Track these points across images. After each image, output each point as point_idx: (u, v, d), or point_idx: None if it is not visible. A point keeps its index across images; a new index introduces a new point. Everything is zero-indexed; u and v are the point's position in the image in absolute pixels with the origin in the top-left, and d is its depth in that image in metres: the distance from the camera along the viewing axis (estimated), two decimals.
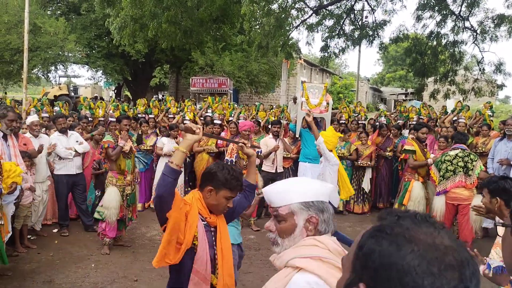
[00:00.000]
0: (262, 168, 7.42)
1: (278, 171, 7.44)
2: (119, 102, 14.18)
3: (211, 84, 19.29)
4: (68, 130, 6.36)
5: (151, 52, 20.74)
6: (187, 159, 8.13)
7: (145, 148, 7.75)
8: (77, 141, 6.37)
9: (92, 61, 22.01)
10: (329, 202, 1.62)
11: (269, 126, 8.46)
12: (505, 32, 13.18)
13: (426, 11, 13.67)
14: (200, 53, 19.95)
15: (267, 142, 7.36)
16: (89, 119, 8.04)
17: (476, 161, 5.69)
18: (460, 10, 13.61)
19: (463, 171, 5.64)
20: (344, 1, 14.06)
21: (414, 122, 8.46)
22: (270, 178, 7.29)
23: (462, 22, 13.81)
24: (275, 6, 12.37)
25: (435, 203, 5.86)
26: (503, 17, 13.11)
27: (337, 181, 5.62)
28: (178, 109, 9.33)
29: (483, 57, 14.07)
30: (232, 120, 8.58)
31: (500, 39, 13.45)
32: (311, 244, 1.46)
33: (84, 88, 29.34)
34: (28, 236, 5.89)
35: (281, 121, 8.60)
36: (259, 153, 6.86)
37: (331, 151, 5.64)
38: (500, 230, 1.52)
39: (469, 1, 13.36)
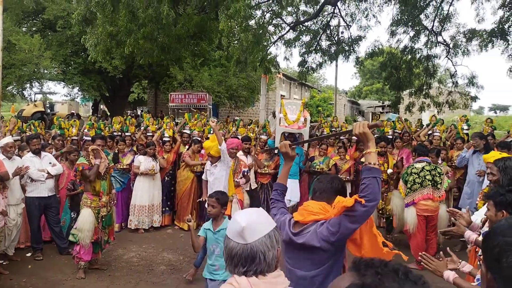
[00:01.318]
0: None
1: (252, 188, 7.41)
2: (97, 118, 13.93)
3: (190, 99, 19.24)
4: (41, 152, 6.22)
5: (129, 68, 20.61)
6: (166, 178, 8.02)
7: (121, 167, 7.63)
8: (50, 163, 6.22)
9: (68, 78, 21.72)
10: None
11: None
12: (477, 46, 13.57)
13: (399, 26, 13.99)
14: (178, 68, 19.91)
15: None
16: (62, 139, 7.86)
17: (442, 174, 5.88)
18: (433, 26, 13.99)
19: (430, 184, 5.78)
20: (320, 17, 14.30)
21: (390, 136, 8.55)
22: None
23: (435, 37, 14.18)
24: (252, 22, 12.47)
25: (406, 215, 5.95)
26: (474, 31, 13.51)
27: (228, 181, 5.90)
28: (157, 126, 9.24)
29: (456, 71, 14.43)
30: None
31: (472, 53, 13.85)
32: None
33: (60, 105, 28.88)
34: (0, 262, 5.69)
35: (261, 136, 8.59)
36: (246, 173, 6.84)
37: (213, 156, 5.76)
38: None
39: (441, 17, 13.75)
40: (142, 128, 9.31)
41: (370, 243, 2.41)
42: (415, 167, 5.89)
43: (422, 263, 2.58)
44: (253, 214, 1.65)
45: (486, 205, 2.83)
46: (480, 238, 2.76)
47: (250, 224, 1.58)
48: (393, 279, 0.79)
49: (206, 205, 7.02)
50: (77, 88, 25.76)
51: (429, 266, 2.52)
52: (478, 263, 2.84)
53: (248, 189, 7.28)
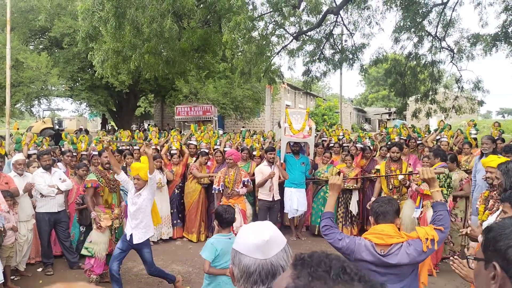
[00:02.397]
0: (259, 197, 7.32)
1: (275, 199, 7.30)
2: (106, 133, 14.04)
3: (196, 112, 19.35)
4: (52, 167, 6.29)
5: (135, 83, 20.82)
6: (175, 191, 8.05)
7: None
8: (60, 179, 6.29)
9: (75, 94, 21.97)
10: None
11: (253, 153, 8.47)
12: (481, 50, 13.56)
13: (403, 33, 14.01)
14: (183, 81, 20.09)
15: (262, 169, 7.25)
16: (73, 153, 7.95)
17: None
18: (436, 31, 14.00)
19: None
20: (323, 26, 14.37)
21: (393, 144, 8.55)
22: (268, 207, 7.20)
23: (439, 42, 14.18)
24: (255, 34, 12.57)
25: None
26: (478, 36, 13.51)
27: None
28: (163, 139, 9.31)
29: (461, 76, 14.40)
30: (218, 148, 8.59)
31: (477, 58, 13.85)
32: None
33: (69, 121, 29.13)
34: (11, 277, 5.73)
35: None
36: (246, 182, 6.84)
37: (140, 180, 5.07)
38: (473, 264, 1.52)
39: (444, 22, 13.77)
40: (146, 141, 9.39)
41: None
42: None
43: (453, 267, 2.49)
44: (270, 228, 1.57)
45: (501, 208, 2.83)
46: None
47: (272, 238, 1.51)
48: (325, 281, 0.76)
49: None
50: (85, 103, 26.03)
51: (461, 271, 2.42)
52: None
53: (271, 199, 7.22)
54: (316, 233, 7.95)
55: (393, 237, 2.70)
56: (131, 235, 5.06)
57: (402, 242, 2.69)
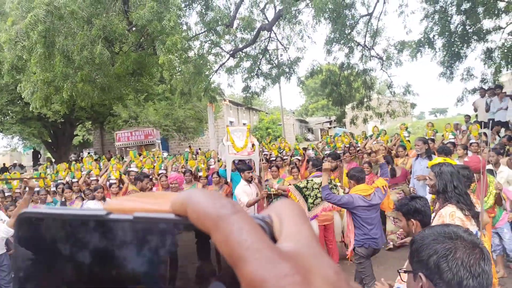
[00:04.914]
0: None
1: None
2: (45, 168, 13.30)
3: (137, 136, 18.90)
4: None
5: (70, 111, 19.98)
6: None
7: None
8: (0, 219, 5.86)
9: (6, 128, 20.76)
10: None
11: (199, 174, 8.36)
12: (408, 56, 14.39)
13: (334, 45, 14.58)
14: (122, 106, 19.57)
15: (244, 190, 6.68)
16: (5, 194, 7.46)
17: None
18: (365, 41, 14.71)
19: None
20: (258, 43, 14.65)
21: (342, 152, 8.81)
22: None
23: (368, 51, 14.90)
24: (192, 54, 12.56)
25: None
26: (403, 43, 14.34)
27: None
28: (103, 170, 8.99)
29: (392, 81, 15.17)
30: (163, 173, 8.40)
31: (404, 63, 14.69)
32: None
33: (1, 156, 27.50)
34: None
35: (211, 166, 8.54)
36: None
37: None
38: (404, 276, 1.59)
39: (371, 32, 14.50)
40: (85, 173, 9.03)
41: None
42: (315, 182, 5.97)
43: None
44: None
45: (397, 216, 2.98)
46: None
47: None
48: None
49: None
50: (17, 137, 24.63)
51: None
52: None
53: None
54: None
55: (369, 190, 4.71)
56: None
57: (374, 192, 4.67)
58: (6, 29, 9.98)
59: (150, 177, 8.13)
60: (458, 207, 2.99)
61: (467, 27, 13.50)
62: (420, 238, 1.38)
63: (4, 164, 24.74)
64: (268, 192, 7.60)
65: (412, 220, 2.71)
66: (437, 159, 4.43)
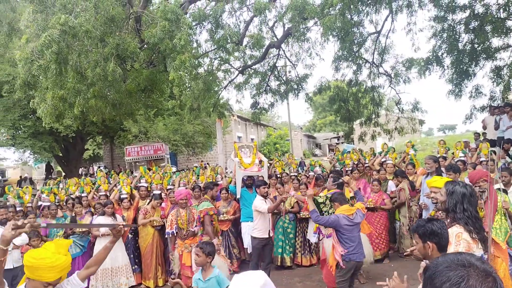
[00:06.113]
0: (254, 235, 6.60)
1: (270, 235, 6.71)
2: (55, 181, 13.40)
3: (147, 151, 19.04)
4: (7, 221, 5.96)
5: (81, 125, 20.25)
6: (129, 236, 7.74)
7: (80, 230, 7.38)
8: None
9: (18, 142, 21.02)
10: None
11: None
12: (416, 73, 14.44)
13: (342, 62, 14.70)
14: (132, 121, 19.79)
15: (259, 207, 6.54)
16: (17, 208, 7.56)
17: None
18: (373, 58, 14.81)
19: None
20: (267, 59, 14.81)
21: (351, 169, 8.83)
22: (264, 244, 6.59)
23: (377, 68, 14.98)
24: (201, 70, 12.73)
25: (325, 245, 6.18)
26: (412, 60, 14.41)
27: None
28: (111, 184, 9.08)
29: (400, 98, 15.20)
30: (171, 188, 8.46)
31: (413, 80, 14.72)
32: None
33: (12, 170, 27.80)
34: None
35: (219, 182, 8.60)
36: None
37: None
38: None
39: (379, 50, 14.60)
40: (95, 188, 9.14)
41: None
42: (320, 196, 6.31)
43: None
44: (262, 278, 1.77)
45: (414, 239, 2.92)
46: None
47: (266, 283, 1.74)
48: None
49: (170, 260, 6.88)
50: (29, 151, 24.93)
51: None
52: None
53: (266, 236, 6.57)
54: (279, 264, 7.78)
55: (352, 210, 5.30)
56: None
57: (355, 212, 5.29)
58: (21, 46, 10.22)
59: (160, 192, 8.14)
60: (466, 229, 2.99)
61: (476, 45, 13.55)
62: (434, 266, 1.42)
63: (20, 176, 25.02)
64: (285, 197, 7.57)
65: (429, 242, 2.64)
66: (436, 178, 4.46)
